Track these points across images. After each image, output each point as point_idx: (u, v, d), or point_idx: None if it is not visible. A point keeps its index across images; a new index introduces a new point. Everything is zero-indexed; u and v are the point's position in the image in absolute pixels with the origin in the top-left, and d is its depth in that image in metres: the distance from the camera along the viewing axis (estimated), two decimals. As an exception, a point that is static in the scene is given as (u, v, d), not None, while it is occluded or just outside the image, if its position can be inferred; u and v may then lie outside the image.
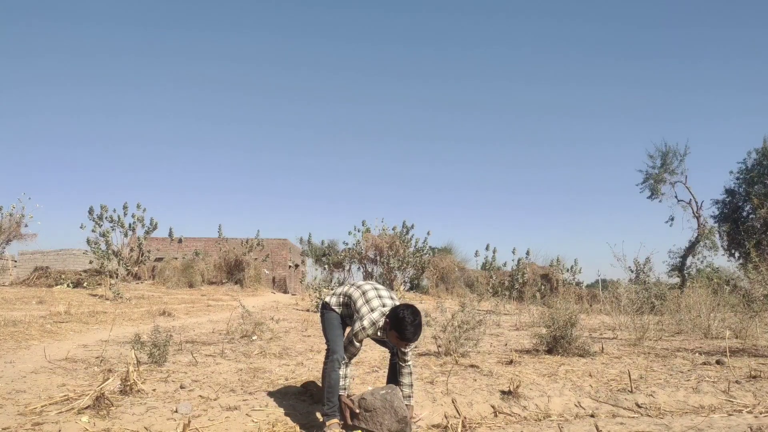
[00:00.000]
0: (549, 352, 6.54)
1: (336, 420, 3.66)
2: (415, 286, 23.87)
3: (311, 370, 5.44)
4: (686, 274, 22.24)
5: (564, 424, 4.04)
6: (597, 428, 3.75)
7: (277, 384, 4.86)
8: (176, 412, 3.92)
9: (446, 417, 4.12)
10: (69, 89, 63.72)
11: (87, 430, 3.49)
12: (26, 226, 18.77)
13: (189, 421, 3.54)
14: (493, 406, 4.40)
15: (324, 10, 73.15)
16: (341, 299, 3.92)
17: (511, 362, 5.82)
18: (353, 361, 3.83)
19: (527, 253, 22.11)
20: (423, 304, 14.74)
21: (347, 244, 23.14)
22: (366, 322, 3.61)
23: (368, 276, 22.00)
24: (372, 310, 3.66)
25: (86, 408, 3.79)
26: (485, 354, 6.50)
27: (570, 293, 17.90)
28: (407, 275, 23.29)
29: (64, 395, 4.18)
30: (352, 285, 3.97)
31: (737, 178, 23.50)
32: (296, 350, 6.85)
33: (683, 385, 4.93)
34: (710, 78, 67.57)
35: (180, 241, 25.88)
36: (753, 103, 62.61)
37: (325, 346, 3.97)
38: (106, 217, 18.21)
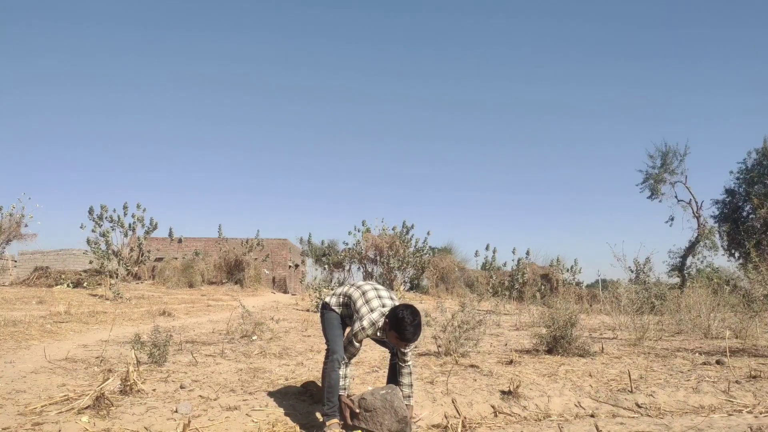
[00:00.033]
0: (549, 352, 6.54)
1: (336, 420, 3.66)
2: (415, 286, 23.87)
3: (311, 370, 5.44)
4: (686, 274, 22.24)
5: (564, 424, 4.05)
6: (597, 428, 3.75)
7: (277, 384, 4.86)
8: (176, 412, 3.92)
9: (446, 417, 4.12)
10: (69, 89, 63.81)
11: (87, 430, 3.49)
12: (26, 226, 18.80)
13: (189, 421, 3.54)
14: (493, 406, 4.40)
15: (324, 10, 73.22)
16: (341, 299, 3.92)
17: (511, 362, 5.82)
18: (353, 361, 3.84)
19: (527, 253, 22.14)
20: (423, 304, 14.74)
21: (347, 244, 23.17)
22: (365, 323, 3.61)
23: (368, 276, 22.01)
24: (372, 311, 3.66)
25: (86, 408, 3.79)
26: (485, 354, 6.50)
27: (570, 293, 17.89)
28: (407, 275, 23.29)
29: (64, 395, 4.18)
30: (352, 285, 3.98)
31: (737, 178, 23.53)
32: (296, 350, 6.85)
33: (683, 385, 4.93)
34: (710, 78, 67.67)
35: (180, 241, 25.88)
36: (753, 103, 62.69)
37: (325, 346, 3.97)
38: (106, 217, 18.21)
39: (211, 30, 70.15)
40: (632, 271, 11.71)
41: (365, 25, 76.29)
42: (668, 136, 63.13)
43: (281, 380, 5.03)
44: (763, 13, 58.32)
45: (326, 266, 23.50)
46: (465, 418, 4.00)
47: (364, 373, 5.33)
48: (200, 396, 4.36)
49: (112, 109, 63.91)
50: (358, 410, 3.66)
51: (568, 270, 22.98)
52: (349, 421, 3.66)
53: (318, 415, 4.02)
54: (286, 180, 67.33)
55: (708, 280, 11.67)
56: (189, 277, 20.32)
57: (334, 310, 3.93)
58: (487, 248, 22.02)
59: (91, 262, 18.63)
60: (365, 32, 76.05)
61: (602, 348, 6.79)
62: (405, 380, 3.79)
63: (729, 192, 23.75)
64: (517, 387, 4.60)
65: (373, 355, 6.27)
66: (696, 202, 23.78)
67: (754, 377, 5.10)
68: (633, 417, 4.24)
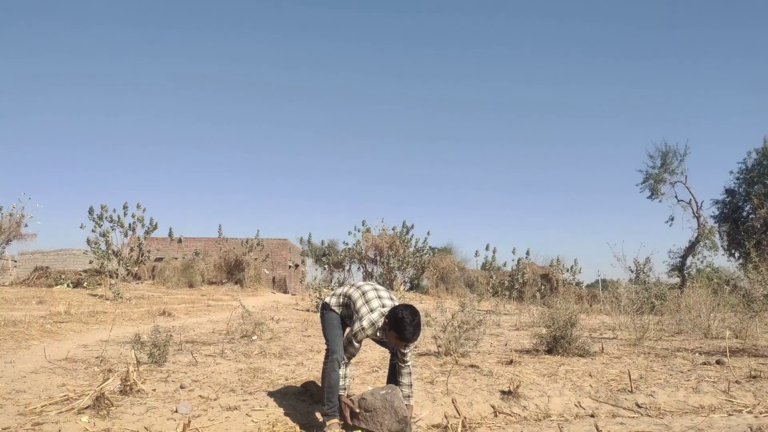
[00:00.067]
0: (549, 352, 6.54)
1: (336, 420, 3.66)
2: (415, 286, 23.87)
3: (311, 370, 5.44)
4: (686, 274, 22.25)
5: (564, 424, 4.04)
6: (597, 428, 3.75)
7: (277, 384, 4.86)
8: (176, 412, 3.92)
9: (446, 417, 4.12)
10: (69, 89, 63.82)
11: (87, 430, 3.49)
12: (26, 226, 18.81)
13: (189, 421, 3.54)
14: (493, 406, 4.40)
15: (324, 10, 73.23)
16: (341, 300, 3.93)
17: (511, 362, 5.82)
18: (353, 361, 3.84)
19: (527, 253, 22.14)
20: (423, 304, 14.74)
21: (347, 244, 23.18)
22: (365, 323, 3.62)
23: (368, 276, 22.01)
24: (371, 311, 3.66)
25: (86, 408, 3.79)
26: (485, 354, 6.50)
27: (570, 293, 17.89)
28: (407, 275, 23.30)
29: (64, 395, 4.18)
30: (352, 285, 3.98)
31: (737, 178, 23.54)
32: (296, 350, 6.85)
33: (683, 385, 4.93)
34: (710, 78, 67.67)
35: (180, 241, 25.88)
36: (753, 103, 62.70)
37: (325, 346, 3.97)
38: (106, 217, 18.21)
39: (211, 30, 70.24)
40: (632, 271, 11.71)
41: (365, 25, 76.37)
42: (668, 136, 63.20)
43: (281, 380, 5.03)
44: (763, 13, 58.39)
45: (326, 266, 23.51)
46: (465, 418, 4.00)
47: (364, 373, 5.33)
48: (200, 396, 4.36)
49: (112, 109, 64.02)
50: (358, 410, 3.66)
51: (568, 270, 22.99)
52: (349, 421, 3.66)
53: (318, 415, 4.02)
54: (286, 180, 67.42)
55: (708, 280, 11.66)
56: (189, 277, 20.33)
57: (334, 311, 3.93)
58: (487, 248, 22.06)
59: (91, 262, 18.63)
60: (365, 32, 76.14)
61: (602, 348, 6.79)
62: (405, 380, 3.79)
63: (729, 192, 23.76)
64: (517, 387, 4.60)
65: (373, 355, 6.27)
66: (696, 202, 23.82)
67: (754, 377, 5.10)
68: (633, 417, 4.24)
